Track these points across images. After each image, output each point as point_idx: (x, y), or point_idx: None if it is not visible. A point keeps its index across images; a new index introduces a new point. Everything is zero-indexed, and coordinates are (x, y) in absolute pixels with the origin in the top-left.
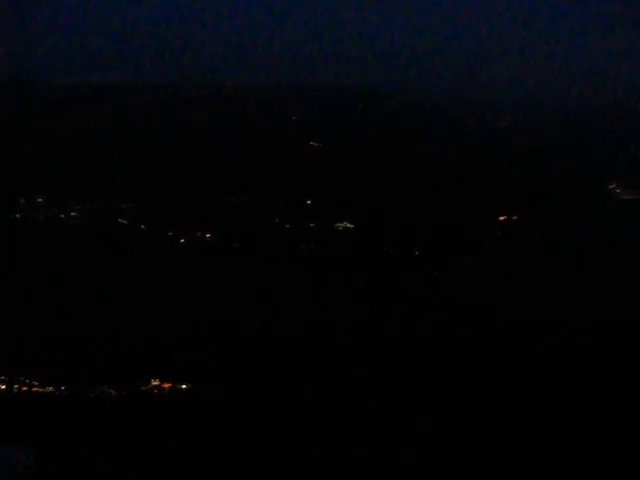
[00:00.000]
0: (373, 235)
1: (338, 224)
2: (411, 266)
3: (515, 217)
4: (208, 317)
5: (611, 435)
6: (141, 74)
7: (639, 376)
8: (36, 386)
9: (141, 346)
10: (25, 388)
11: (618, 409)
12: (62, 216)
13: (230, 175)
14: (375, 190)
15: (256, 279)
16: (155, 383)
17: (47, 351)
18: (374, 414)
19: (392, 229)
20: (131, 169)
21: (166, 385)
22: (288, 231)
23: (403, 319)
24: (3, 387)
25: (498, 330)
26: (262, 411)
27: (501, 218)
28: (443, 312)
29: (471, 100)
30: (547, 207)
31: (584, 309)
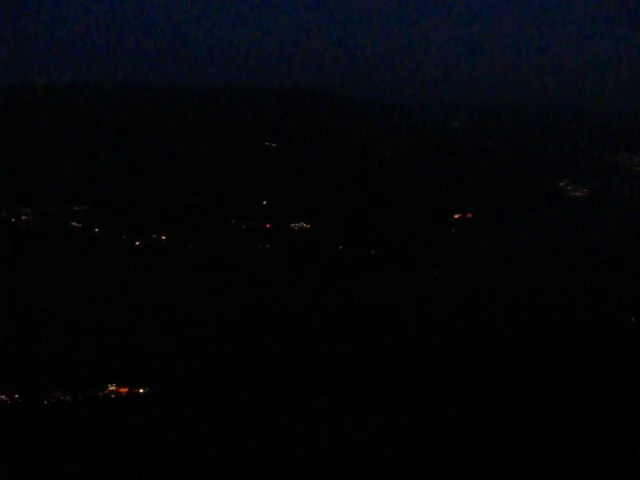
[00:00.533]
0: (329, 235)
1: (294, 224)
2: (368, 265)
3: (470, 215)
4: (164, 320)
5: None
6: (91, 75)
7: (590, 363)
8: None
9: (96, 351)
10: None
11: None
12: (13, 219)
13: (185, 177)
14: (331, 190)
15: (212, 281)
16: (112, 388)
17: None
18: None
19: (348, 229)
20: (84, 172)
21: (123, 390)
22: (244, 232)
23: (361, 318)
24: None
25: (455, 327)
26: (221, 414)
27: (456, 216)
28: (400, 309)
29: (426, 100)
30: (501, 205)
31: (539, 302)
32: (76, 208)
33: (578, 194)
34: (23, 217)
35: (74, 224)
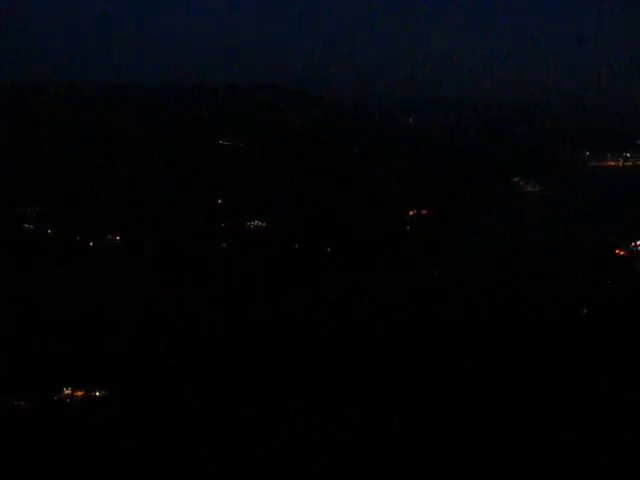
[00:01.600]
0: (286, 233)
1: (250, 223)
2: (325, 263)
3: (425, 211)
4: (119, 321)
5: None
6: (45, 74)
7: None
8: None
9: (50, 354)
10: None
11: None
12: None
13: (139, 175)
14: (287, 188)
15: (168, 282)
16: (67, 392)
17: None
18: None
19: (305, 227)
20: (36, 173)
21: (78, 393)
22: (199, 231)
23: (319, 316)
24: None
25: (411, 324)
26: (177, 415)
27: (411, 213)
28: (356, 306)
29: (382, 99)
30: (456, 201)
31: (497, 295)
32: (29, 210)
33: (530, 190)
34: None
35: (26, 226)
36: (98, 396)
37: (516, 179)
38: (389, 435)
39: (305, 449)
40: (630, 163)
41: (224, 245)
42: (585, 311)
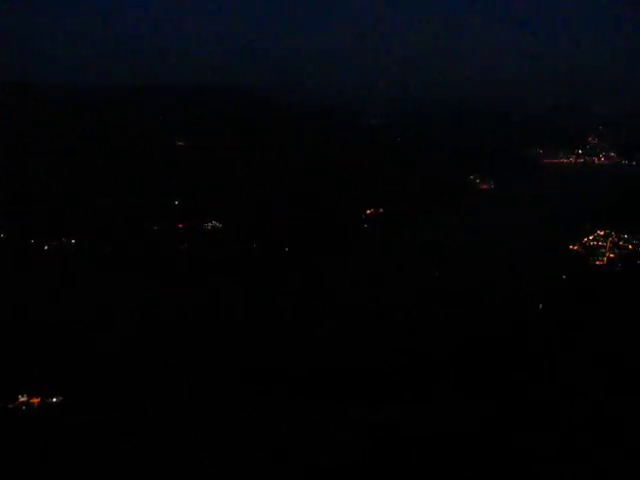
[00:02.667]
0: (243, 233)
1: (207, 224)
2: (282, 263)
3: (381, 210)
4: (77, 327)
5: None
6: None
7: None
8: None
9: (5, 361)
10: None
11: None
12: None
13: (94, 178)
14: (243, 189)
15: (125, 283)
16: (23, 399)
17: None
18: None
19: (262, 227)
20: None
21: (35, 400)
22: (156, 233)
23: (279, 315)
24: None
25: (368, 318)
26: (134, 419)
27: (368, 212)
28: (317, 303)
29: (339, 99)
30: (412, 199)
31: (449, 293)
32: None
33: (486, 187)
34: None
35: None
36: (55, 403)
37: (471, 177)
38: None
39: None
40: (582, 160)
41: (181, 246)
42: (541, 306)
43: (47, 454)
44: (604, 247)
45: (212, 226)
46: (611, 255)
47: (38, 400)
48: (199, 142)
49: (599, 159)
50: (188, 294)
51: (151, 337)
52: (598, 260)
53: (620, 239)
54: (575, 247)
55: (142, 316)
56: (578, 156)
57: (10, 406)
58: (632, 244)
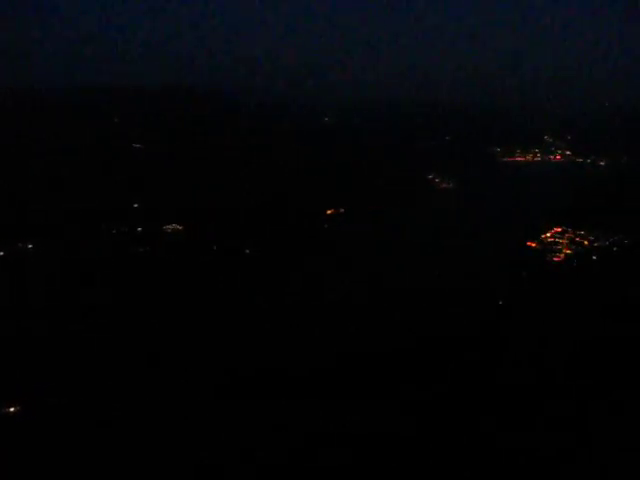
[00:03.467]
0: (203, 235)
1: (167, 226)
2: (243, 264)
3: (342, 210)
4: (34, 334)
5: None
6: None
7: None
8: None
9: None
10: None
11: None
12: None
13: (51, 182)
14: (202, 190)
15: (84, 289)
16: None
17: None
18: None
19: (222, 228)
20: None
21: None
22: (115, 236)
23: (242, 315)
24: None
25: (316, 317)
26: (93, 428)
27: (329, 212)
28: (277, 303)
29: (299, 100)
30: (373, 199)
31: (410, 291)
32: None
33: (445, 186)
34: None
35: None
36: (12, 412)
37: (431, 176)
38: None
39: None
40: (539, 158)
41: (141, 250)
42: (500, 303)
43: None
44: (561, 243)
45: (172, 229)
46: (568, 251)
47: None
48: (158, 145)
49: (555, 157)
50: (143, 297)
51: (108, 346)
52: (556, 256)
53: (576, 235)
54: (534, 244)
55: (101, 322)
56: (535, 154)
57: None
58: (588, 240)
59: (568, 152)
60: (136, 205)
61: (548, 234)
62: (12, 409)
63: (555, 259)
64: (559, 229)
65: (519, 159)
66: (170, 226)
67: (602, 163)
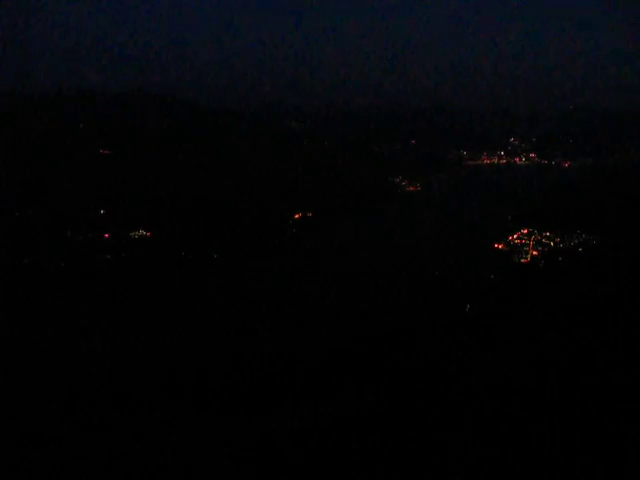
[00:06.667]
0: (171, 242)
1: (134, 233)
2: (211, 270)
3: (309, 214)
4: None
5: None
6: None
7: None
8: None
9: None
10: None
11: None
12: None
13: (16, 187)
14: (170, 196)
15: (49, 298)
16: None
17: None
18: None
19: (189, 234)
20: None
21: None
22: (81, 243)
23: (207, 322)
24: None
25: (300, 326)
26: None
27: (296, 216)
28: (246, 309)
29: (263, 102)
30: (340, 202)
31: (380, 293)
32: None
33: (412, 189)
34: None
35: None
36: None
37: (397, 179)
38: None
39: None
40: (504, 161)
41: (108, 257)
42: (468, 307)
43: None
44: (528, 245)
45: (139, 235)
46: (534, 252)
47: None
48: (125, 150)
49: (520, 160)
50: (109, 305)
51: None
52: (523, 258)
53: (543, 237)
54: (500, 246)
55: (71, 332)
56: (500, 157)
57: None
58: (554, 241)
59: (532, 154)
60: (102, 211)
61: (515, 236)
62: None
63: (522, 260)
64: (525, 231)
65: (485, 162)
66: (137, 232)
67: (567, 165)
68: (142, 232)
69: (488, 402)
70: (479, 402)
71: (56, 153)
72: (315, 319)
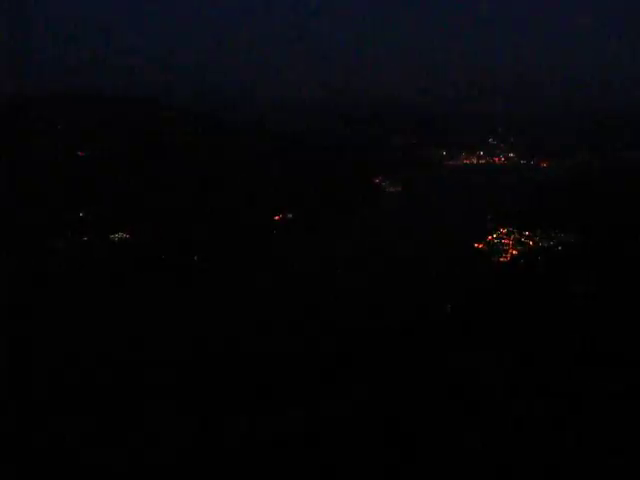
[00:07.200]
0: (151, 244)
1: (114, 235)
2: (193, 273)
3: (290, 215)
4: None
5: None
6: None
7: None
8: None
9: None
10: None
11: None
12: None
13: None
14: (149, 198)
15: (28, 303)
16: None
17: None
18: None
19: (170, 237)
20: None
21: None
22: (61, 247)
23: (192, 326)
24: None
25: (284, 328)
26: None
27: (277, 217)
28: (227, 312)
29: (244, 103)
30: (321, 203)
31: (363, 295)
32: None
33: (392, 190)
34: None
35: None
36: None
37: (377, 180)
38: None
39: None
40: (483, 161)
41: (89, 260)
42: (449, 307)
43: None
44: (507, 244)
45: (119, 238)
46: (514, 252)
47: None
48: (104, 152)
49: (499, 159)
50: (91, 309)
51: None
52: (502, 257)
53: (522, 236)
54: (480, 245)
55: (50, 336)
56: (480, 157)
57: None
58: (533, 240)
59: (511, 154)
60: (81, 214)
61: (494, 235)
62: None
63: (502, 259)
64: (505, 230)
65: (465, 161)
66: (117, 235)
67: (544, 165)
68: (122, 234)
69: (473, 398)
70: (463, 399)
71: (33, 155)
72: (297, 319)
